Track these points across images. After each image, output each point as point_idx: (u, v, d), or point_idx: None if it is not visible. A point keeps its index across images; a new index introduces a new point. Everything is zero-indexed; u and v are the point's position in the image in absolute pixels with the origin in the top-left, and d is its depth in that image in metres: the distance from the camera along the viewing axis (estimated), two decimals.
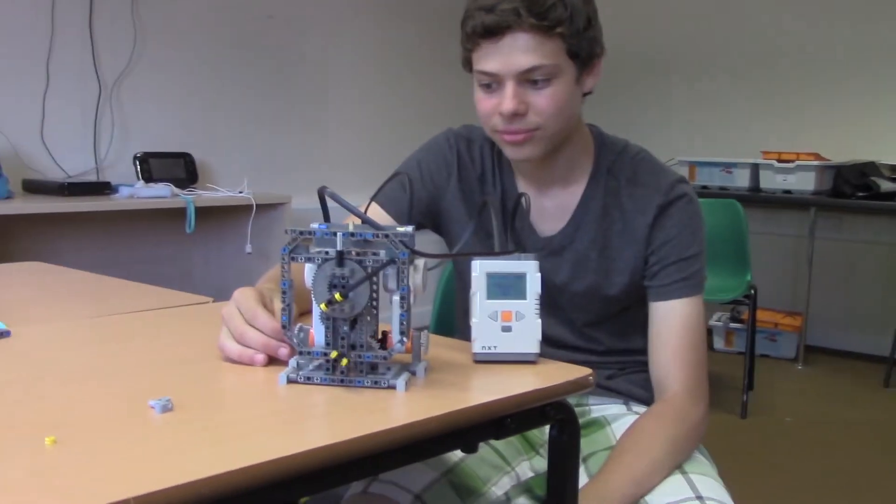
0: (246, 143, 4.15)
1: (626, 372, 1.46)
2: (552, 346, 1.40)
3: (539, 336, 1.04)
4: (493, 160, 1.44)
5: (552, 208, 1.41)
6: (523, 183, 1.42)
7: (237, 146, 4.11)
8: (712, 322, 4.55)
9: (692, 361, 1.33)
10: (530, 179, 1.41)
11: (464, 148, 1.45)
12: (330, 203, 0.97)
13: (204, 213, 3.49)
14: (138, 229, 3.72)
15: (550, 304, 1.41)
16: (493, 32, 1.23)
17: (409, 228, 0.94)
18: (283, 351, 0.99)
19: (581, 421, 1.41)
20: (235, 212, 3.69)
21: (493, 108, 1.29)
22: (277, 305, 0.98)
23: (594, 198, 1.39)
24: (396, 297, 0.92)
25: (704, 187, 4.53)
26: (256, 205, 3.54)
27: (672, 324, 1.34)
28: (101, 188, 3.36)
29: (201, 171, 3.87)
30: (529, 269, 1.05)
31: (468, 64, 1.32)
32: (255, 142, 4.19)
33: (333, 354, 0.92)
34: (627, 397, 1.45)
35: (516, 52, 1.23)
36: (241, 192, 3.58)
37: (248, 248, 3.65)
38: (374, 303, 0.94)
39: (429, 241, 1.36)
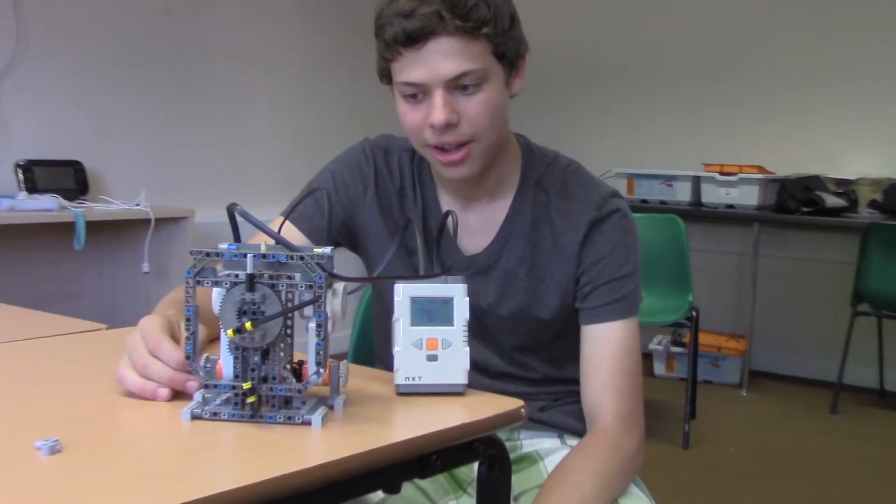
0: (143, 151, 4.08)
1: (561, 403, 1.47)
2: (480, 372, 1.41)
3: (467, 366, 1.05)
4: (412, 172, 1.44)
5: (477, 224, 1.42)
6: (446, 196, 1.43)
7: (133, 154, 4.04)
8: (652, 346, 4.64)
9: (626, 389, 1.35)
10: (454, 193, 1.42)
11: (381, 159, 1.45)
12: (239, 221, 0.96)
13: (95, 228, 3.43)
14: (20, 246, 3.62)
15: (477, 327, 1.42)
16: (414, 39, 1.24)
17: (327, 249, 0.94)
18: (192, 385, 0.98)
19: (512, 457, 1.42)
20: (131, 227, 3.63)
21: (421, 120, 1.29)
22: (183, 333, 0.97)
23: (522, 212, 1.41)
24: (312, 325, 0.92)
25: (644, 201, 4.63)
26: (155, 219, 3.49)
27: (604, 349, 1.35)
28: None
29: (93, 181, 3.79)
30: (457, 292, 1.06)
31: (386, 75, 1.32)
32: (154, 149, 4.13)
33: (247, 384, 0.91)
34: (562, 430, 1.46)
35: (442, 58, 1.24)
36: (137, 205, 3.53)
37: (145, 267, 3.59)
38: (289, 330, 0.94)
39: (346, 261, 1.36)
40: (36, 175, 3.52)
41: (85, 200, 3.54)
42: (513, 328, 1.42)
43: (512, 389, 1.42)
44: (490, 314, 1.41)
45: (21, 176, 3.50)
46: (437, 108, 1.26)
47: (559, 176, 1.41)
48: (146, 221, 3.51)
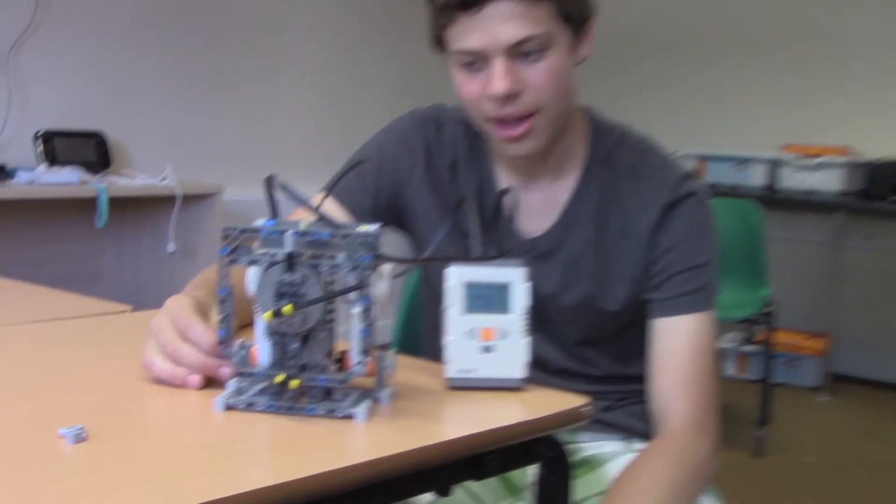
0: (170, 122, 4.12)
1: (626, 403, 1.46)
2: (537, 368, 1.39)
3: (526, 358, 1.05)
4: (467, 146, 1.44)
5: (538, 204, 1.41)
6: (504, 173, 1.43)
7: (159, 125, 4.08)
8: (723, 344, 4.59)
9: (700, 388, 1.34)
10: (514, 170, 1.41)
11: (432, 131, 1.45)
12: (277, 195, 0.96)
13: (118, 204, 3.47)
14: (39, 223, 3.68)
15: (536, 317, 1.40)
16: (471, 2, 1.23)
17: (374, 227, 0.94)
18: (225, 371, 0.99)
19: (572, 460, 1.42)
20: (156, 203, 3.67)
21: (480, 91, 1.29)
22: (215, 316, 0.98)
23: (588, 192, 1.40)
24: (357, 310, 0.92)
25: (714, 185, 4.58)
26: (182, 195, 3.52)
27: (676, 344, 1.35)
28: None
29: (116, 153, 3.84)
30: (516, 277, 1.06)
31: (440, 43, 1.31)
32: (182, 120, 4.17)
33: (280, 378, 0.91)
34: (627, 433, 1.45)
35: (501, 22, 1.23)
36: (163, 180, 3.56)
37: (171, 247, 3.63)
38: (331, 315, 0.94)
39: (391, 241, 1.36)
40: (56, 146, 3.58)
41: (107, 174, 3.59)
42: (576, 319, 1.41)
43: (573, 387, 1.40)
44: (551, 303, 1.41)
45: (40, 148, 3.55)
46: (497, 78, 1.25)
47: (630, 153, 1.41)
48: (172, 198, 3.54)
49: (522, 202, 1.40)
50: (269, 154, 4.50)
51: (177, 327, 1.01)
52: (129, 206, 3.68)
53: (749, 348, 4.56)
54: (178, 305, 1.03)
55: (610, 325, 1.42)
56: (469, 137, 1.44)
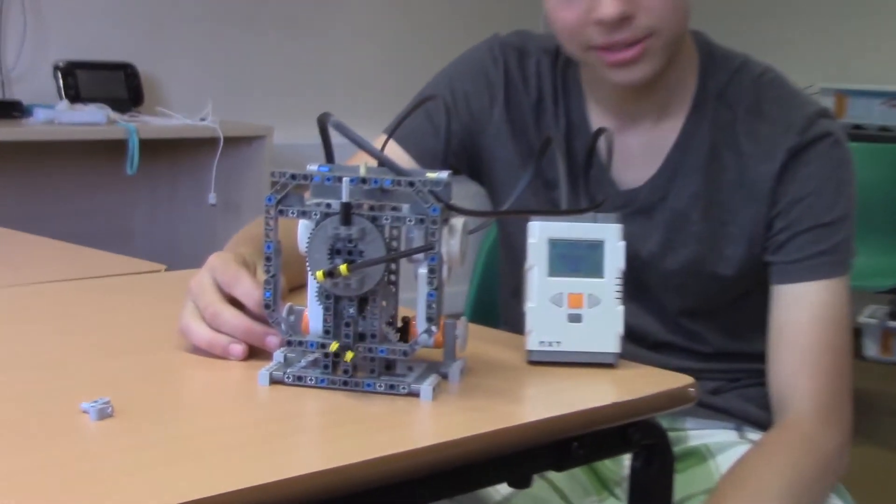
0: (210, 54, 4.16)
1: (740, 385, 1.46)
2: (635, 342, 1.41)
3: (621, 329, 1.06)
4: (554, 80, 1.44)
5: (639, 149, 1.41)
6: (599, 112, 1.42)
7: (198, 57, 4.12)
8: (863, 319, 4.53)
9: (828, 369, 1.34)
10: (611, 107, 1.41)
11: (514, 63, 1.45)
12: (333, 138, 0.97)
13: (151, 147, 3.52)
14: (60, 169, 3.76)
15: (634, 283, 1.40)
16: None
17: (444, 174, 0.95)
18: (272, 340, 1.01)
19: (675, 450, 1.42)
20: (195, 147, 3.71)
21: (581, 17, 1.28)
22: (261, 276, 1.00)
23: (698, 135, 1.39)
24: (424, 270, 0.93)
25: (857, 126, 4.50)
26: (224, 138, 3.56)
27: (802, 315, 1.34)
28: (9, 109, 3.39)
29: (148, 89, 3.88)
30: (610, 234, 1.06)
31: None
32: (223, 52, 4.20)
33: (334, 346, 0.93)
34: (740, 420, 1.45)
35: None
36: (203, 121, 3.61)
37: (212, 199, 3.67)
38: (394, 276, 0.95)
39: (467, 193, 1.37)
40: (79, 80, 3.63)
41: (139, 113, 3.64)
42: (681, 286, 1.41)
43: (675, 364, 1.41)
44: (651, 267, 1.41)
45: (61, 82, 3.60)
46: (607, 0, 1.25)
47: (749, 88, 1.39)
48: (213, 141, 3.58)
49: (620, 147, 1.39)
50: (325, 91, 4.51)
51: (219, 287, 1.04)
52: (163, 151, 3.73)
53: (895, 324, 4.49)
54: (223, 260, 1.06)
55: (722, 293, 1.41)
56: (559, 70, 1.44)
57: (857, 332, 4.54)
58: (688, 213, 1.39)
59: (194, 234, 3.83)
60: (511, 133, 1.44)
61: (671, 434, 1.42)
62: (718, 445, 1.42)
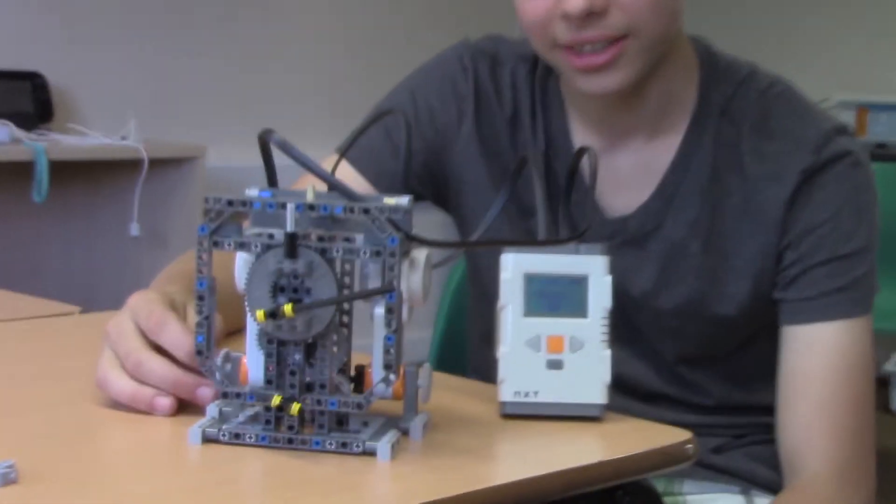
0: (133, 61, 4.15)
1: (746, 441, 1.47)
2: (626, 393, 1.41)
3: (608, 378, 1.06)
4: (532, 91, 1.45)
5: (629, 171, 1.42)
6: (582, 129, 1.44)
7: (119, 65, 4.11)
8: (889, 367, 4.55)
9: (848, 425, 1.35)
10: (595, 123, 1.42)
11: (486, 72, 1.46)
12: (277, 159, 0.98)
13: (64, 170, 3.50)
14: None
15: (623, 326, 1.42)
16: None
17: (404, 200, 0.95)
18: (205, 392, 1.01)
19: None
20: (115, 170, 3.70)
21: (548, 9, 1.29)
22: (192, 318, 1.00)
23: (698, 155, 1.40)
24: (381, 310, 0.93)
25: (881, 145, 4.55)
26: (149, 159, 3.54)
27: (817, 362, 1.35)
28: None
29: (60, 102, 3.87)
30: (594, 268, 1.07)
31: None
32: (148, 59, 4.19)
33: (277, 399, 0.93)
34: (747, 482, 1.46)
35: None
36: (124, 139, 3.59)
37: (135, 229, 3.65)
38: (346, 318, 0.96)
39: (431, 221, 1.37)
40: None
41: (48, 131, 3.61)
42: (678, 329, 1.42)
43: (672, 419, 1.41)
44: (644, 307, 1.42)
45: None
46: None
47: (756, 101, 1.41)
48: (136, 163, 3.56)
49: (608, 168, 1.40)
50: (265, 106, 4.50)
51: (142, 332, 1.03)
52: (77, 174, 3.71)
53: None
54: (146, 301, 1.05)
55: (724, 337, 1.42)
56: (537, 81, 1.45)
57: (884, 382, 4.56)
58: (686, 244, 1.40)
59: (114, 271, 3.81)
60: (482, 152, 1.44)
61: (667, 499, 1.43)
62: None
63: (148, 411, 1.01)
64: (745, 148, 1.39)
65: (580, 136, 1.43)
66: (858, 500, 1.34)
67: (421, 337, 1.88)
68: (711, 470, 1.45)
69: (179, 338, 1.01)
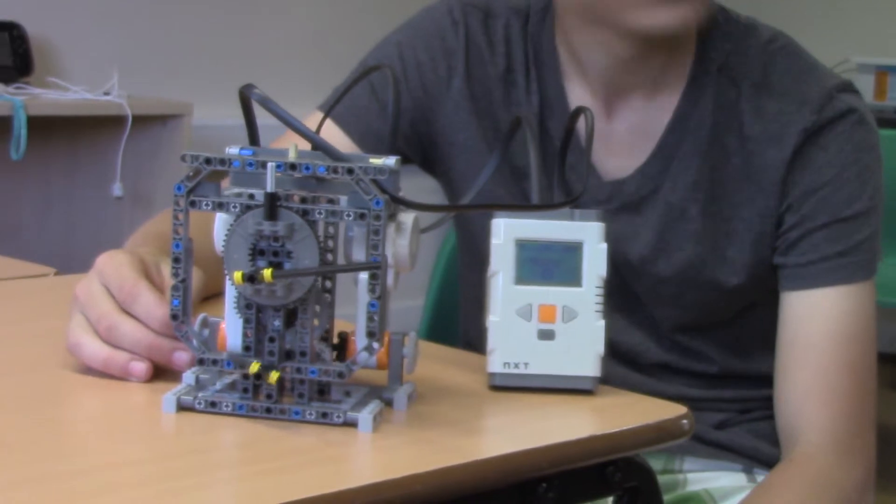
0: (116, 13, 4.14)
1: (751, 417, 1.48)
2: (624, 363, 1.44)
3: (601, 349, 1.06)
4: (525, 47, 1.45)
5: (626, 133, 1.43)
6: (579, 88, 1.44)
7: (101, 16, 4.09)
8: None
9: (848, 394, 1.36)
10: (594, 82, 1.42)
11: (478, 26, 1.46)
12: (260, 115, 0.98)
13: (43, 126, 3.49)
14: None
15: (620, 293, 1.43)
16: None
17: (391, 160, 0.95)
18: (181, 357, 1.01)
19: (669, 498, 1.43)
20: (97, 127, 3.69)
21: None
22: (167, 280, 1.00)
23: (696, 115, 1.41)
24: (364, 276, 0.93)
25: None
26: (133, 116, 3.54)
27: (817, 329, 1.36)
28: None
29: (39, 55, 3.85)
30: (589, 235, 1.07)
31: None
32: (132, 10, 4.18)
33: (255, 367, 0.93)
34: (750, 460, 1.47)
35: None
36: (106, 95, 3.58)
37: (117, 190, 3.65)
38: (329, 283, 0.96)
39: (421, 185, 1.37)
40: None
41: (27, 85, 3.60)
42: (677, 296, 1.43)
43: (672, 392, 1.43)
44: (642, 273, 1.42)
45: None
46: None
47: (757, 58, 1.41)
48: (120, 120, 3.55)
49: (604, 130, 1.41)
50: (253, 61, 4.49)
51: (118, 292, 1.03)
52: (58, 131, 3.71)
53: None
54: (115, 265, 1.04)
55: (725, 304, 1.43)
56: (529, 35, 1.45)
57: (893, 359, 4.57)
58: (685, 207, 1.40)
59: (96, 232, 3.79)
60: (473, 111, 1.44)
61: (665, 477, 1.44)
62: (723, 491, 1.44)
63: (122, 377, 1.01)
64: (745, 107, 1.40)
65: (576, 95, 1.43)
66: (859, 469, 1.35)
67: (413, 305, 1.88)
68: (713, 447, 1.46)
69: (153, 308, 1.01)
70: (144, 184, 3.68)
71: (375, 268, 0.92)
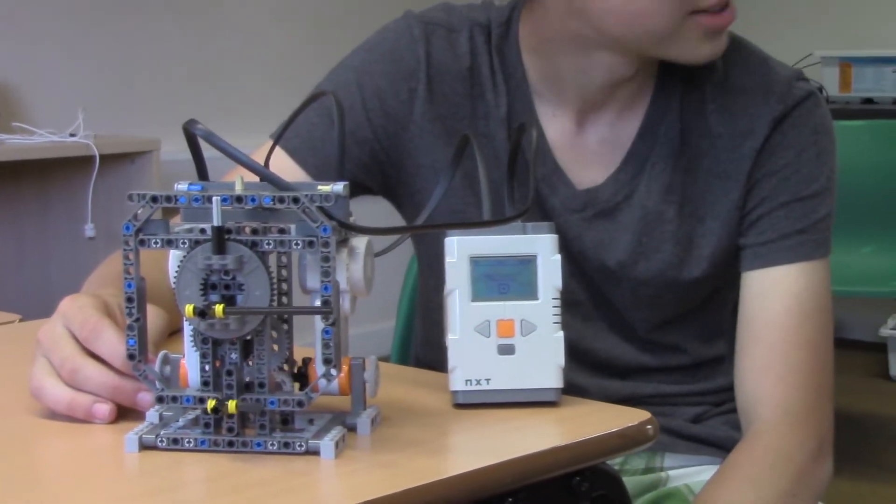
0: (78, 52, 4.13)
1: (726, 409, 1.50)
2: (602, 371, 1.45)
3: (561, 360, 1.06)
4: (490, 60, 1.45)
5: (598, 143, 1.45)
6: (550, 101, 1.45)
7: (63, 58, 4.09)
8: (886, 331, 4.56)
9: (802, 369, 1.38)
10: (572, 97, 1.43)
11: (440, 44, 1.45)
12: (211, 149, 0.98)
13: (11, 171, 3.50)
14: None
15: (596, 301, 1.45)
16: None
17: (337, 186, 0.96)
18: (145, 397, 1.01)
19: (651, 495, 1.45)
20: (65, 169, 3.69)
21: None
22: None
23: (665, 121, 1.44)
24: (317, 302, 0.94)
25: (868, 101, 4.56)
26: (100, 156, 3.53)
27: (774, 306, 1.38)
28: None
29: (3, 100, 3.85)
30: (542, 247, 1.07)
31: None
32: (94, 49, 4.18)
33: (211, 403, 0.93)
34: (728, 451, 1.47)
35: None
36: (73, 136, 3.58)
37: (89, 230, 3.64)
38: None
39: (375, 208, 1.38)
40: None
41: None
42: (655, 298, 1.45)
43: (649, 390, 1.45)
44: (622, 278, 1.44)
45: None
46: None
47: (714, 61, 1.42)
48: (87, 160, 3.55)
49: (576, 141, 1.43)
50: (221, 93, 4.49)
51: (80, 333, 1.03)
52: (26, 175, 3.71)
53: None
54: (77, 306, 1.05)
55: (694, 295, 1.46)
56: (493, 48, 1.45)
57: (881, 348, 4.59)
58: (661, 210, 1.42)
59: (71, 274, 3.76)
60: (439, 132, 1.44)
61: (647, 476, 1.45)
62: (703, 485, 1.43)
63: (86, 419, 1.01)
64: (710, 107, 1.43)
65: (548, 110, 1.45)
66: (812, 440, 1.36)
67: (385, 328, 1.89)
68: (692, 441, 1.48)
69: (116, 346, 1.01)
70: (116, 222, 3.56)
71: (326, 312, 0.92)
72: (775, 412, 1.36)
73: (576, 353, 1.31)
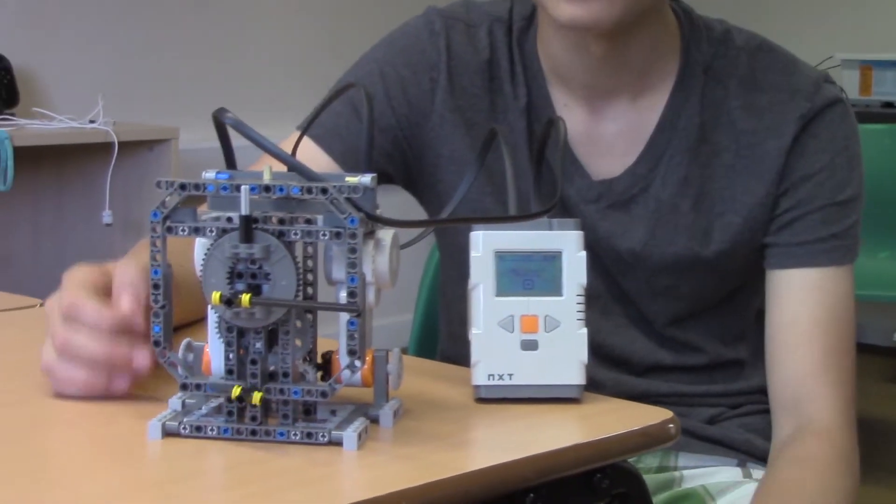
0: (99, 42, 4.14)
1: (742, 412, 1.50)
2: (618, 367, 1.45)
3: (584, 357, 1.07)
4: (510, 53, 1.46)
5: (615, 134, 1.45)
6: (563, 91, 1.45)
7: (84, 46, 4.10)
8: None
9: (849, 376, 1.39)
10: (578, 84, 1.43)
11: (460, 37, 1.46)
12: (241, 138, 0.98)
13: (31, 156, 3.50)
14: None
15: (612, 294, 1.46)
16: None
17: (366, 178, 0.96)
18: (140, 359, 1.01)
19: (666, 495, 1.45)
20: (84, 155, 3.69)
21: None
22: (119, 280, 1.02)
23: (685, 114, 1.43)
24: (343, 294, 0.94)
25: (888, 104, 4.54)
26: (119, 143, 3.53)
27: (816, 305, 1.39)
28: None
29: (24, 87, 3.85)
30: (568, 243, 1.07)
31: None
32: (115, 38, 4.18)
33: (235, 391, 0.94)
34: (744, 454, 1.48)
35: None
36: (92, 123, 3.58)
37: (107, 217, 3.64)
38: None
39: (400, 201, 1.37)
40: None
41: (13, 116, 3.60)
42: (670, 289, 1.45)
43: (665, 389, 1.45)
44: (636, 267, 1.44)
45: None
46: None
47: (738, 57, 1.44)
48: (106, 147, 3.55)
49: (593, 132, 1.43)
50: (240, 83, 4.49)
51: (63, 312, 1.03)
52: (45, 161, 3.71)
53: None
54: (66, 281, 1.06)
55: (713, 289, 1.46)
56: (513, 41, 1.46)
57: (892, 353, 4.58)
58: (676, 203, 1.43)
59: (87, 260, 3.77)
60: (459, 123, 1.45)
61: (661, 475, 1.44)
62: (720, 486, 1.44)
63: (105, 394, 1.02)
64: (734, 104, 1.43)
65: (562, 100, 1.45)
66: (855, 442, 1.39)
67: (404, 320, 1.89)
68: (707, 442, 1.47)
69: (96, 314, 1.01)
70: (134, 210, 3.67)
71: (353, 309, 0.92)
72: (838, 417, 1.37)
73: (593, 347, 1.30)
